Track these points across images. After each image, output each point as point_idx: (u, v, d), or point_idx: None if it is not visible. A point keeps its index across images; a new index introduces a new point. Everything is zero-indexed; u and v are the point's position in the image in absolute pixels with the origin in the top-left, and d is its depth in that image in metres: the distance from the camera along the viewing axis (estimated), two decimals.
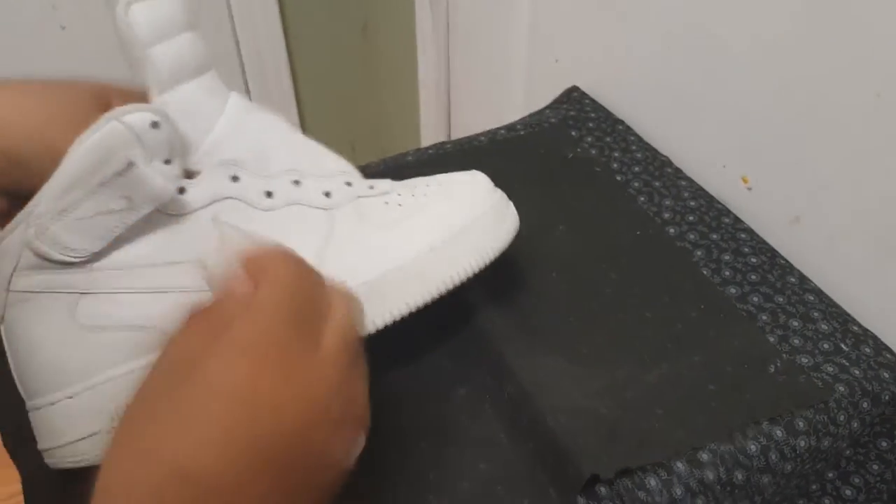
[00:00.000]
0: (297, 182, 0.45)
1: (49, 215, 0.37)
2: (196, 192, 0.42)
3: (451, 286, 0.46)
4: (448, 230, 0.47)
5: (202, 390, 0.28)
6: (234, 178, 0.43)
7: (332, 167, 0.48)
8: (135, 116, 0.38)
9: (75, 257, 0.39)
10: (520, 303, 0.56)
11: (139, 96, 0.44)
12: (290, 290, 0.32)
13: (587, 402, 0.48)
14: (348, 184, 0.47)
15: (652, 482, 0.44)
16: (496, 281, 0.57)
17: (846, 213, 0.57)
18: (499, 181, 0.67)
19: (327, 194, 0.46)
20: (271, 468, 0.28)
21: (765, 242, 0.61)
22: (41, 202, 0.38)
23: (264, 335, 0.30)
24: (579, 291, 0.57)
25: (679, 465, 0.45)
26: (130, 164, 0.37)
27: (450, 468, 0.45)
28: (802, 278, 0.58)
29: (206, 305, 0.32)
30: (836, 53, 0.53)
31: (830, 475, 0.55)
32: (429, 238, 0.46)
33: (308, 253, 0.37)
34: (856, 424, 0.51)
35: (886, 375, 0.52)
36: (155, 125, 0.39)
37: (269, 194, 0.44)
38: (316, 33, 1.23)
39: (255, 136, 0.45)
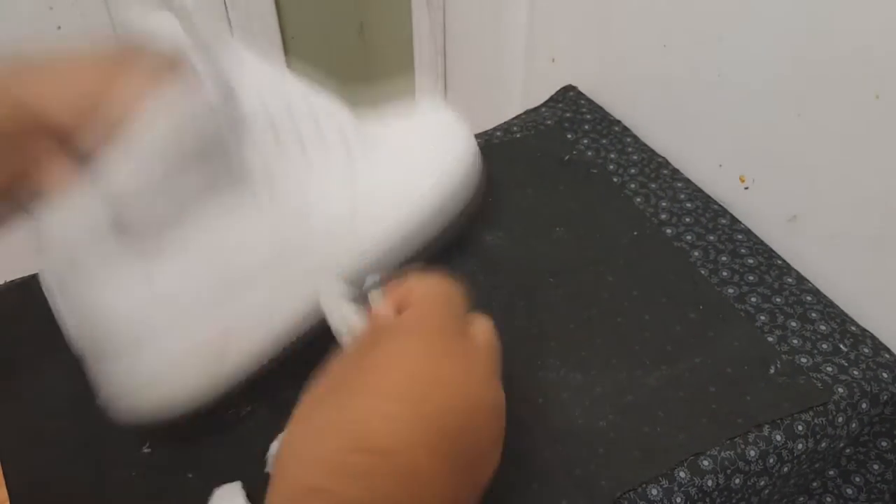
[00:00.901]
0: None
1: (127, 182, 0.38)
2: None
3: None
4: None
5: (377, 368, 0.30)
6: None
7: None
8: (214, 91, 0.39)
9: (151, 223, 0.40)
10: (516, 308, 0.55)
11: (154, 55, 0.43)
12: (440, 290, 0.36)
13: (586, 416, 0.48)
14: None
15: (654, 492, 0.44)
16: (492, 286, 0.57)
17: (843, 213, 0.57)
18: (495, 184, 0.67)
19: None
20: (444, 444, 0.29)
21: (762, 243, 0.61)
22: (120, 170, 0.38)
23: (429, 322, 0.33)
24: (577, 295, 0.57)
25: (681, 473, 0.45)
26: (214, 137, 0.39)
27: None
28: (800, 278, 0.58)
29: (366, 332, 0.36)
30: (835, 53, 0.53)
31: (831, 473, 0.56)
32: None
33: None
34: (854, 425, 0.51)
35: (885, 375, 0.52)
36: (228, 96, 0.40)
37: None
38: (312, 33, 1.23)
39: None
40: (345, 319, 0.38)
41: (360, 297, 0.39)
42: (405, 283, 0.37)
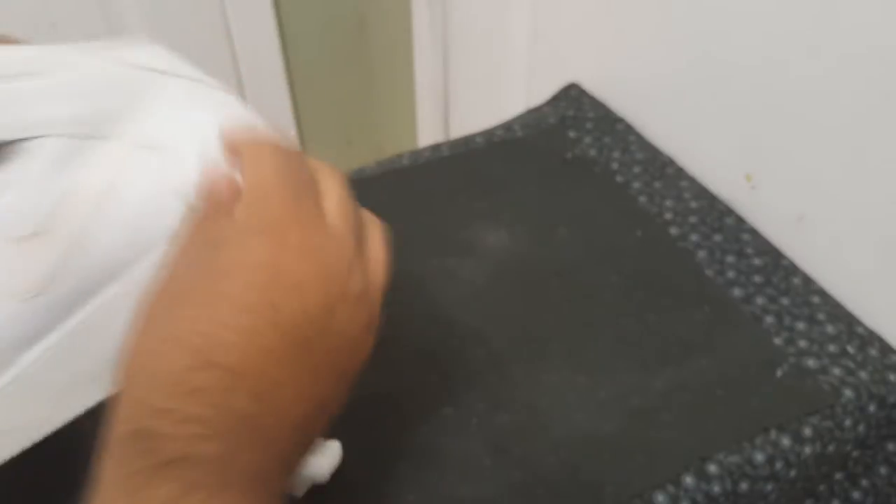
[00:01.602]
0: None
1: None
2: None
3: None
4: None
5: (222, 275, 0.27)
6: None
7: None
8: None
9: None
10: (519, 310, 0.55)
11: None
12: (277, 167, 0.30)
13: (591, 420, 0.47)
14: None
15: (660, 498, 0.44)
16: (494, 287, 0.57)
17: (851, 212, 0.56)
18: (497, 184, 0.66)
19: None
20: (296, 349, 0.27)
21: (768, 243, 0.61)
22: None
23: (272, 212, 0.29)
24: (580, 296, 0.56)
25: (688, 479, 0.44)
26: None
27: (429, 492, 0.44)
28: (807, 280, 0.58)
29: (203, 212, 0.31)
30: (844, 51, 0.53)
31: (838, 476, 0.55)
32: None
33: None
34: (861, 428, 0.51)
35: (893, 378, 0.51)
36: None
37: None
38: (311, 29, 1.22)
39: None
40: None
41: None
42: (233, 143, 0.32)
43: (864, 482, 0.54)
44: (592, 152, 0.70)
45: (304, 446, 0.30)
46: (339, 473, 0.44)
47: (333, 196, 0.31)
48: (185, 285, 0.28)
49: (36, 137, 0.31)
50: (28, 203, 0.31)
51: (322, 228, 0.30)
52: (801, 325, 0.54)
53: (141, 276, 0.32)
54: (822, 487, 0.55)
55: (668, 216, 0.63)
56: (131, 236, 0.32)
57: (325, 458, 0.41)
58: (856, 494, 0.54)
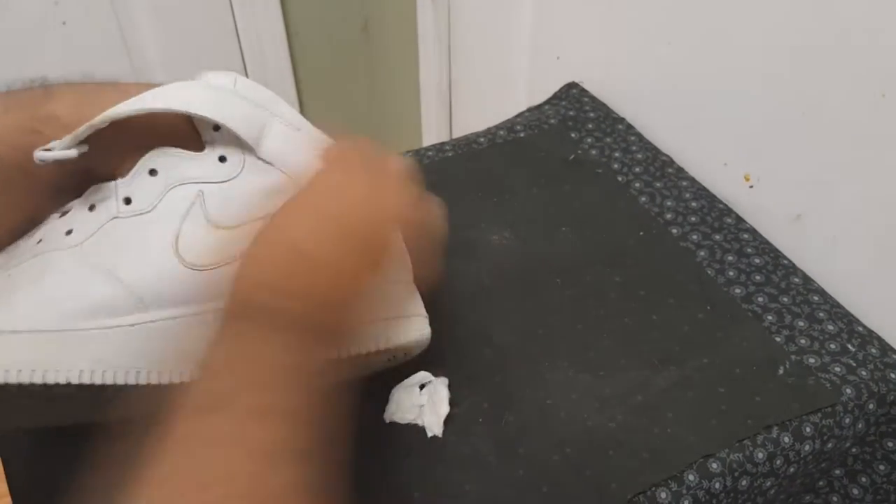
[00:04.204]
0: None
1: None
2: None
3: None
4: None
5: (314, 196, 0.39)
6: None
7: None
8: None
9: None
10: (523, 310, 0.56)
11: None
12: (352, 141, 0.43)
13: (595, 418, 0.48)
14: None
15: (662, 495, 0.44)
16: (498, 287, 0.57)
17: (848, 211, 0.57)
18: (500, 185, 0.67)
19: None
20: (358, 246, 0.38)
21: (768, 243, 0.61)
22: None
23: (348, 154, 0.42)
24: (584, 296, 0.57)
25: (690, 476, 0.45)
26: None
27: (434, 488, 0.45)
28: (806, 279, 0.58)
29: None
30: (842, 51, 0.53)
31: (838, 472, 0.56)
32: None
33: None
34: (861, 425, 0.51)
35: (893, 376, 0.52)
36: None
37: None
38: (317, 31, 1.23)
39: None
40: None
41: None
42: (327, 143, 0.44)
43: (863, 479, 0.55)
44: (594, 153, 0.71)
45: (356, 320, 0.42)
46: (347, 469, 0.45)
47: (395, 166, 0.43)
48: (287, 205, 0.38)
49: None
50: (234, 201, 0.42)
51: (382, 170, 0.42)
52: (801, 324, 0.54)
53: None
54: (821, 483, 0.56)
55: (669, 216, 0.64)
56: None
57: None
58: (855, 491, 0.55)
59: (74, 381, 0.38)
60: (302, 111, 1.28)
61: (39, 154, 0.40)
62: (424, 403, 0.47)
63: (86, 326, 0.39)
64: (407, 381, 0.48)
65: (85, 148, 0.40)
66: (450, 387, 0.48)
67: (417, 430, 0.47)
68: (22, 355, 0.38)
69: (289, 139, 0.43)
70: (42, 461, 0.47)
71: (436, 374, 0.49)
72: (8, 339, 0.38)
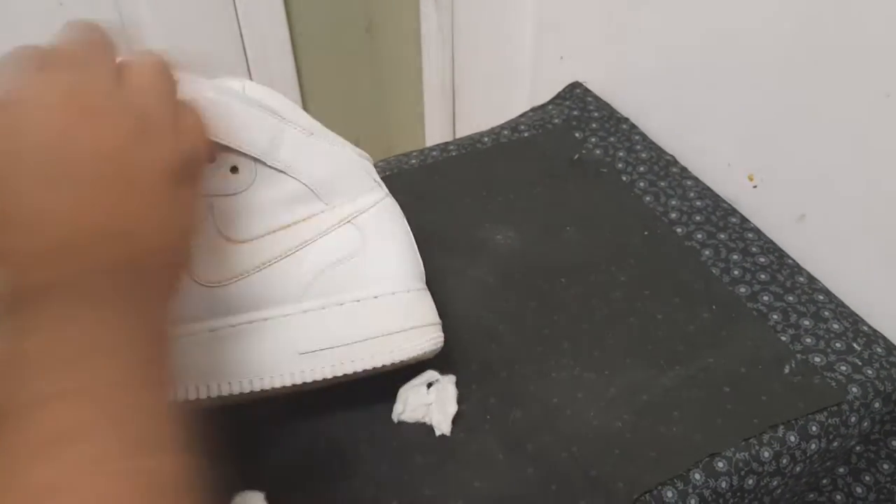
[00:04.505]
0: None
1: None
2: None
3: None
4: None
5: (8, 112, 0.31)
6: None
7: None
8: None
9: None
10: (529, 310, 0.56)
11: None
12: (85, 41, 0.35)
13: (601, 416, 0.48)
14: None
15: (669, 494, 0.44)
16: (503, 287, 0.57)
17: (852, 212, 0.57)
18: (504, 184, 0.67)
19: None
20: (95, 185, 0.31)
21: (772, 242, 0.61)
22: None
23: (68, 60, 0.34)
24: (589, 295, 0.57)
25: (696, 475, 0.45)
26: None
27: (444, 485, 0.45)
28: (811, 278, 0.58)
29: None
30: (846, 51, 0.53)
31: (842, 470, 0.56)
32: None
33: None
34: (866, 424, 0.51)
35: None
36: None
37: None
38: (321, 32, 1.23)
39: None
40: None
41: None
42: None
43: (867, 478, 0.55)
44: (598, 152, 0.71)
45: (156, 272, 0.34)
46: (357, 468, 0.45)
47: (137, 66, 0.35)
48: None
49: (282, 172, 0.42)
50: (245, 213, 0.41)
51: (121, 94, 0.33)
52: (806, 322, 0.54)
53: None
54: (825, 481, 0.56)
55: (674, 215, 0.64)
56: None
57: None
58: (858, 489, 0.55)
59: None
60: (306, 111, 1.28)
61: None
62: (432, 402, 0.47)
63: None
64: (414, 381, 0.48)
65: None
66: (457, 385, 0.49)
67: (426, 429, 0.48)
68: None
69: (302, 146, 0.42)
70: None
71: (443, 373, 0.49)
72: None
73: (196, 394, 0.41)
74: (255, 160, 0.41)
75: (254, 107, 0.41)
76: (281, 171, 0.42)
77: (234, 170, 0.41)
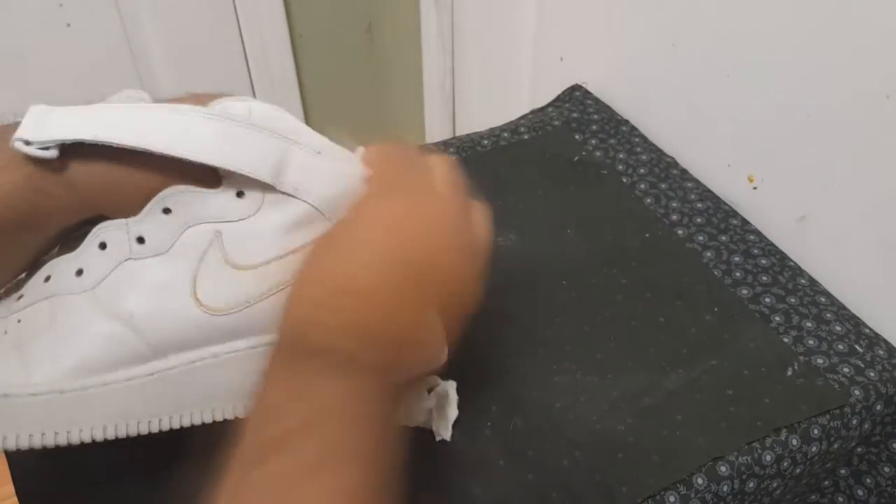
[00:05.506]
0: None
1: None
2: None
3: None
4: None
5: (363, 228, 0.37)
6: None
7: None
8: None
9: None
10: (530, 313, 0.56)
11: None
12: (392, 153, 0.42)
13: (604, 421, 0.48)
14: None
15: (671, 498, 0.44)
16: (504, 290, 0.57)
17: (852, 214, 0.57)
18: (505, 187, 0.67)
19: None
20: (413, 281, 0.36)
21: (773, 244, 0.61)
22: None
23: (391, 184, 0.40)
24: (590, 298, 0.57)
25: (699, 479, 0.45)
26: None
27: (444, 492, 0.45)
28: (812, 280, 0.58)
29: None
30: (846, 53, 0.53)
31: (843, 472, 0.56)
32: None
33: None
34: (868, 426, 0.51)
35: None
36: None
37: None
38: (321, 33, 1.23)
39: None
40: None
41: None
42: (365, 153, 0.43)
43: (868, 480, 0.55)
44: (598, 154, 0.71)
45: (417, 356, 0.39)
46: None
47: (441, 172, 0.41)
48: (334, 236, 0.38)
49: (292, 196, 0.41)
50: (253, 240, 0.40)
51: (432, 196, 0.40)
52: (809, 324, 0.54)
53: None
54: (826, 483, 0.56)
55: (675, 217, 0.64)
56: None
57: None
58: (860, 492, 0.55)
59: (99, 437, 0.38)
60: (306, 113, 1.28)
61: (17, 144, 0.37)
62: (433, 407, 0.47)
63: (106, 381, 0.39)
64: (415, 386, 0.48)
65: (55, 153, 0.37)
66: (458, 390, 0.48)
67: (426, 434, 0.47)
68: (42, 417, 0.38)
69: (310, 167, 0.41)
70: (49, 462, 0.46)
71: (443, 378, 0.49)
72: (27, 403, 0.38)
73: (200, 418, 0.41)
74: (262, 185, 0.40)
75: (259, 130, 0.40)
76: (289, 195, 0.41)
77: (241, 195, 0.40)
